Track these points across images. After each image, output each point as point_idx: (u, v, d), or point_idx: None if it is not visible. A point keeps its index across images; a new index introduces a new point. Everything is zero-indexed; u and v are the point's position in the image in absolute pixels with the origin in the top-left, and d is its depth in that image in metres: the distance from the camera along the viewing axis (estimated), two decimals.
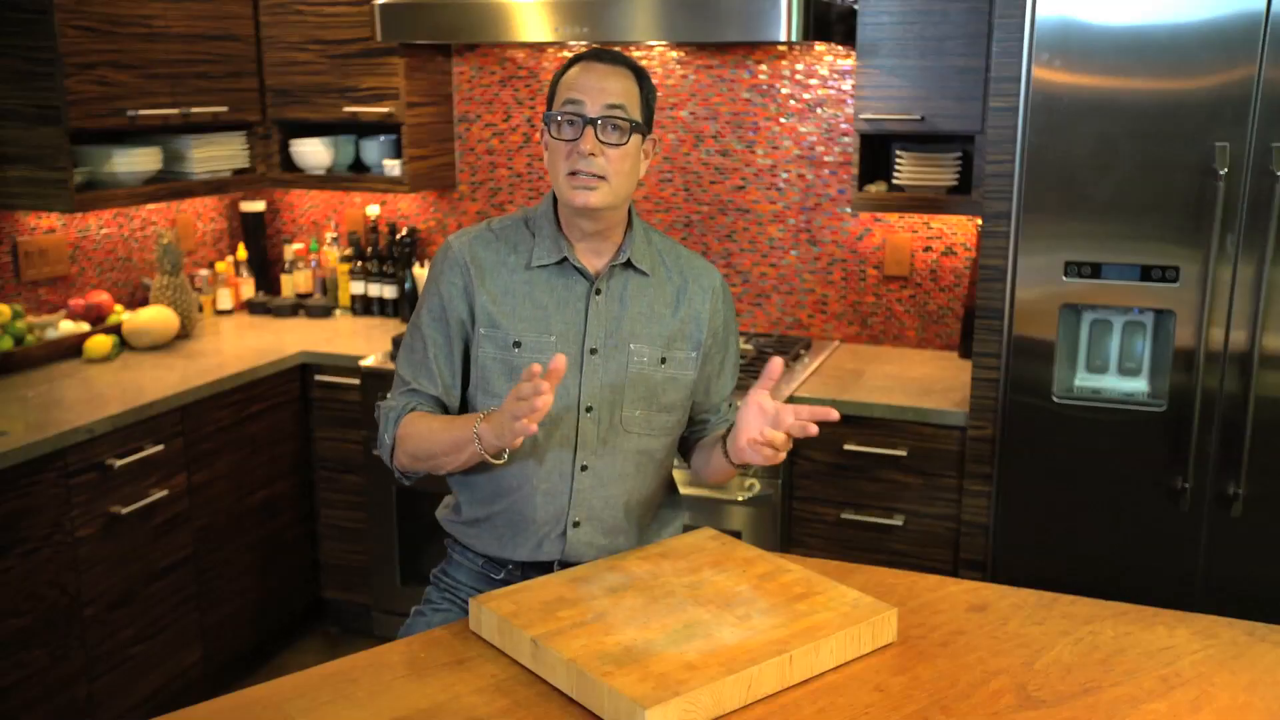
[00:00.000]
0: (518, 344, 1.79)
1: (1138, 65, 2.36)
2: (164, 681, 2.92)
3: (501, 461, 1.69)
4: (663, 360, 1.83)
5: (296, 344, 3.39)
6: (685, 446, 2.00)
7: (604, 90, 1.71)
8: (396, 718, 1.42)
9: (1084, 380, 2.56)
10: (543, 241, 1.81)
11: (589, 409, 1.80)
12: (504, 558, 1.86)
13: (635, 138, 1.74)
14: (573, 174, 1.71)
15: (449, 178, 3.75)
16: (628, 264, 1.82)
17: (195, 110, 3.31)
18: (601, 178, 1.71)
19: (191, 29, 3.29)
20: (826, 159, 3.37)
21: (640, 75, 1.78)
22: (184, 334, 3.42)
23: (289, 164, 3.69)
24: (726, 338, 1.94)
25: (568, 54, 3.52)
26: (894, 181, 3.12)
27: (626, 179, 1.75)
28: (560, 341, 1.79)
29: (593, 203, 1.72)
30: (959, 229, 3.28)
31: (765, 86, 3.39)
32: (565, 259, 1.80)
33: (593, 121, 1.70)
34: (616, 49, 2.00)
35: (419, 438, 1.76)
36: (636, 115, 1.74)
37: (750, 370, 2.96)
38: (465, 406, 1.87)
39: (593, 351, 1.80)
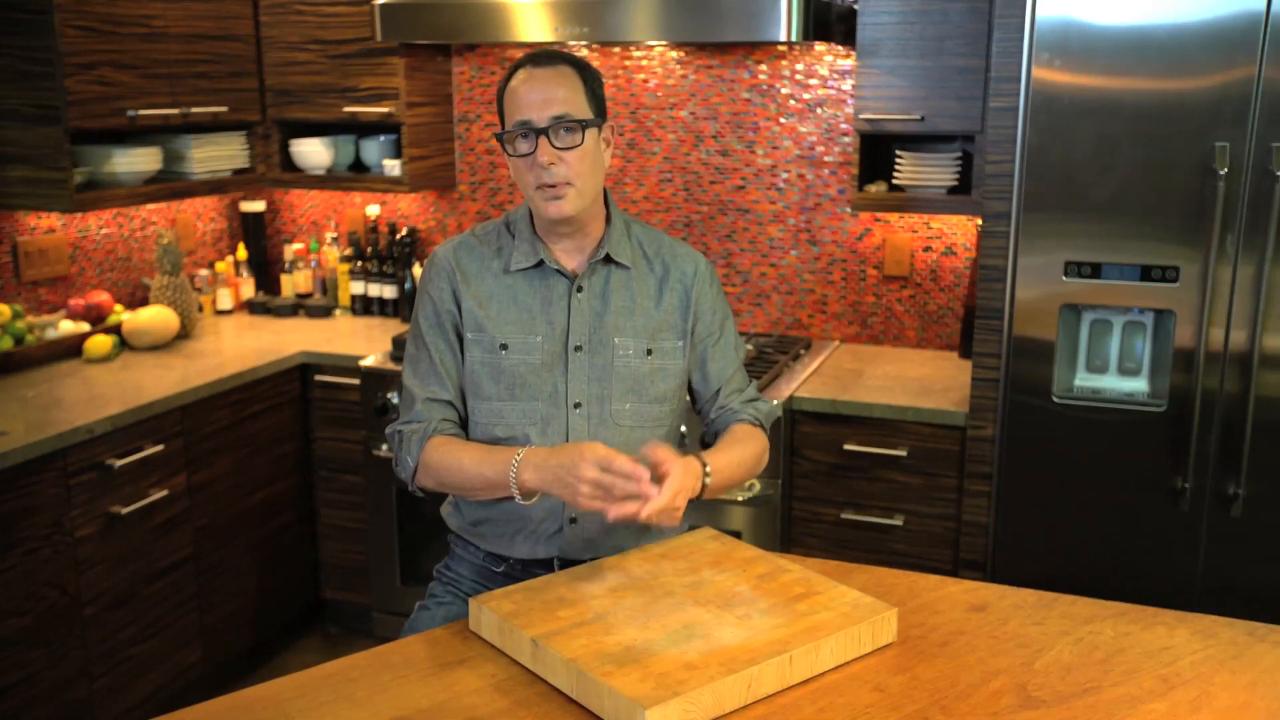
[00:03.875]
0: (504, 346, 1.81)
1: (1138, 65, 2.36)
2: (164, 681, 2.92)
3: (531, 502, 1.70)
4: (648, 352, 1.85)
5: (296, 344, 3.39)
6: (706, 437, 1.98)
7: (548, 101, 1.72)
8: (396, 718, 1.42)
9: (1084, 380, 2.56)
10: (521, 245, 1.84)
11: (577, 405, 1.81)
12: (505, 555, 1.87)
13: (590, 133, 1.75)
14: (540, 187, 1.74)
15: (449, 178, 3.75)
16: (607, 259, 1.84)
17: (195, 110, 3.31)
18: (568, 184, 1.74)
19: (191, 29, 3.29)
20: (826, 159, 3.37)
21: (581, 68, 1.78)
22: (184, 334, 3.42)
23: (289, 164, 3.69)
24: (723, 322, 1.93)
25: None
26: (894, 181, 3.12)
27: (591, 177, 1.77)
28: (545, 341, 1.81)
29: (566, 211, 1.76)
30: (959, 229, 3.28)
31: (765, 86, 3.38)
32: (542, 261, 1.82)
33: (543, 131, 1.72)
34: (556, 48, 1.99)
35: (450, 469, 1.75)
36: (586, 113, 1.75)
37: (751, 370, 2.96)
38: None
39: (577, 348, 1.82)
